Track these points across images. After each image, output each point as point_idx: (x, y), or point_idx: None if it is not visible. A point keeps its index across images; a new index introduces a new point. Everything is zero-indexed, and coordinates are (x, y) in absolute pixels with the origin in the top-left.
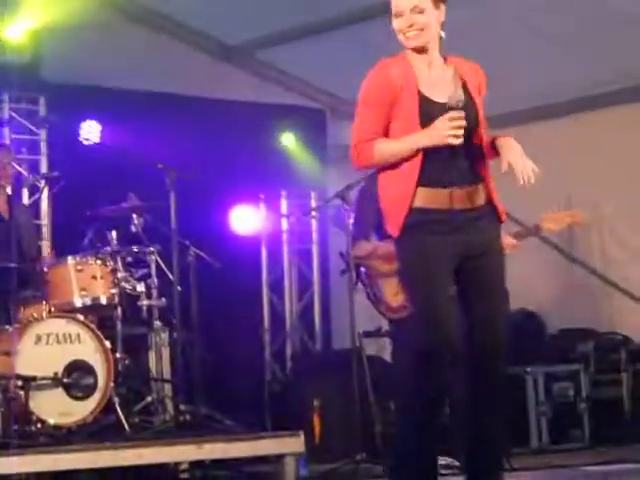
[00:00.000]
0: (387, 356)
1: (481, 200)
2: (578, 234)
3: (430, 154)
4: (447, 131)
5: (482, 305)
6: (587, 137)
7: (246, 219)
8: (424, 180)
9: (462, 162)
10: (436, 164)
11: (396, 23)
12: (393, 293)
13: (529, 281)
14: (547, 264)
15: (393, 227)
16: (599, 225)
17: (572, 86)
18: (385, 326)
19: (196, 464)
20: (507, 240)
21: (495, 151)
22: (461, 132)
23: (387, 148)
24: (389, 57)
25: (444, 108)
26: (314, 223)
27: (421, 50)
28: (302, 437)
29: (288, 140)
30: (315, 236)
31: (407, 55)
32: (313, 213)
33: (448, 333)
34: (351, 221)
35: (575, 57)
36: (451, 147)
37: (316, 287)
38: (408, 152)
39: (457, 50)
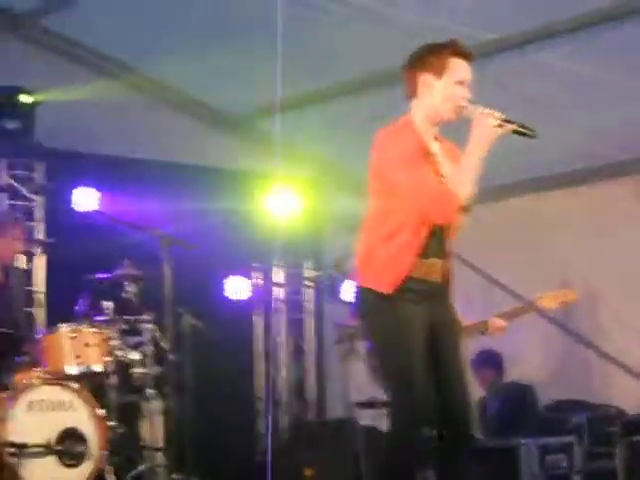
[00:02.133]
0: (383, 426)
1: (447, 277)
2: (572, 306)
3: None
4: (490, 123)
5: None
6: (583, 210)
7: (241, 288)
8: (421, 253)
9: (440, 239)
10: (430, 238)
11: (458, 90)
12: None
13: (523, 353)
14: (541, 336)
15: (386, 285)
16: (591, 297)
17: (567, 159)
18: (379, 396)
19: None
20: (496, 323)
21: None
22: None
23: (462, 182)
24: (393, 124)
25: None
26: (308, 292)
27: (438, 124)
28: None
29: (282, 204)
30: (310, 306)
31: (414, 124)
32: (307, 283)
33: (428, 413)
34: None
35: (572, 129)
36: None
37: (310, 357)
38: (478, 169)
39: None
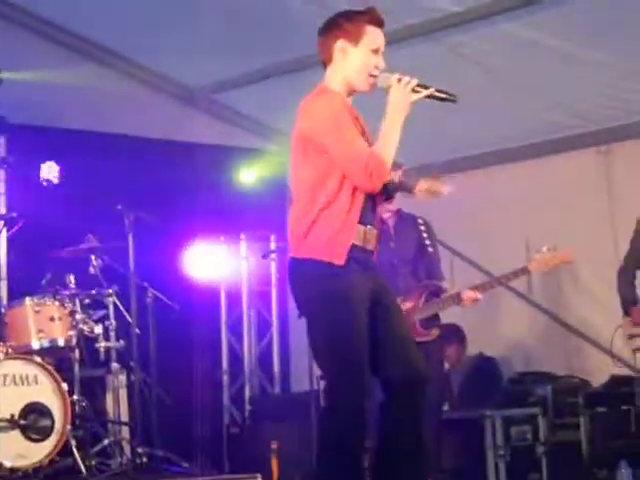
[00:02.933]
0: None
1: (376, 245)
2: (536, 278)
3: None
4: (407, 89)
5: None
6: (545, 181)
7: (205, 261)
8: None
9: (372, 205)
10: (365, 204)
11: (372, 58)
12: None
13: (487, 326)
14: (505, 308)
15: (336, 256)
16: (557, 270)
17: (531, 131)
18: None
19: None
20: (468, 294)
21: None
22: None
23: (388, 146)
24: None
25: None
26: (273, 265)
27: (351, 93)
28: (260, 479)
29: (247, 178)
30: (274, 279)
31: (340, 94)
32: (272, 255)
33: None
34: None
35: (532, 102)
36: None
37: (275, 330)
38: (399, 133)
39: None
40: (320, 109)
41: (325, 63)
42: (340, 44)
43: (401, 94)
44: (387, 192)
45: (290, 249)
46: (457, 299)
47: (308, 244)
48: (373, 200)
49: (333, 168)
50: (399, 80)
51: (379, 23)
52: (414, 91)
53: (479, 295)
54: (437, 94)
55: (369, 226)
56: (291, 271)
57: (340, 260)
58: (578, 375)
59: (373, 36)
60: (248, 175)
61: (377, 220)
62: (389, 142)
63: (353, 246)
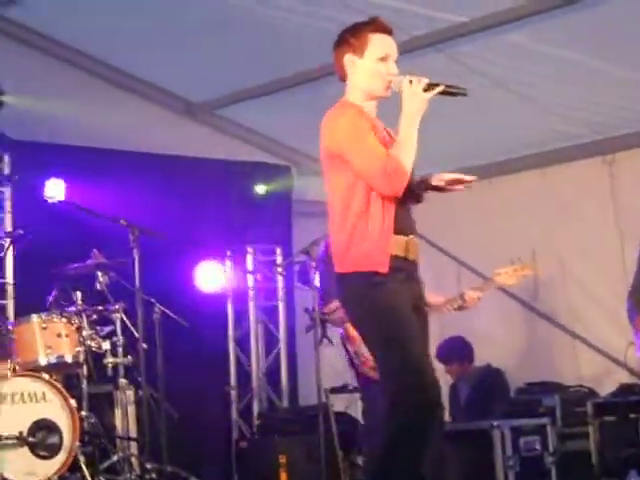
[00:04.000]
0: (354, 412)
1: (418, 256)
2: (542, 288)
3: (396, 201)
4: (419, 89)
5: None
6: (551, 191)
7: (212, 276)
8: (395, 228)
9: (409, 211)
10: (400, 211)
11: (381, 67)
12: None
13: (494, 336)
14: (512, 319)
15: (379, 265)
16: (563, 278)
17: (536, 140)
18: (352, 382)
19: None
20: (472, 294)
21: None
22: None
23: (405, 148)
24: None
25: None
26: (280, 279)
27: (374, 99)
28: None
29: (252, 192)
30: (281, 292)
31: (357, 106)
32: (279, 269)
33: (438, 391)
34: (317, 278)
35: (537, 112)
36: (404, 197)
37: (282, 344)
38: (416, 135)
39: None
40: (337, 122)
41: (342, 79)
42: (348, 58)
43: (413, 95)
44: (414, 194)
45: (335, 267)
46: (460, 301)
47: (350, 258)
48: (409, 207)
49: (359, 180)
50: (410, 82)
51: (385, 30)
52: (426, 90)
53: (480, 293)
54: (448, 89)
55: (410, 236)
56: (339, 287)
57: (384, 268)
58: (585, 384)
59: (379, 44)
60: (253, 189)
61: (415, 230)
62: (406, 144)
63: (395, 256)
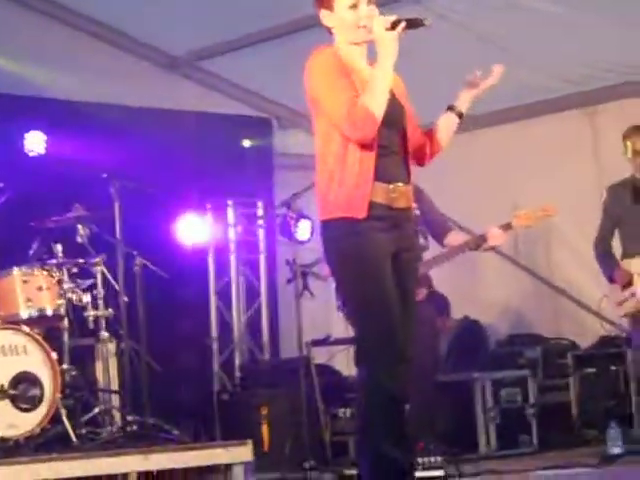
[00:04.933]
0: (337, 364)
1: (410, 202)
2: (523, 241)
3: (380, 149)
4: (382, 30)
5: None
6: (532, 144)
7: (193, 228)
8: (377, 174)
9: (401, 161)
10: (384, 159)
11: (351, 15)
12: None
13: (473, 289)
14: (493, 272)
15: (356, 210)
16: (545, 232)
17: (517, 94)
18: (335, 334)
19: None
20: (494, 231)
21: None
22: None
23: (372, 92)
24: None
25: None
26: (261, 232)
27: (360, 45)
28: (251, 446)
29: (234, 144)
30: (262, 245)
31: (340, 50)
32: (260, 222)
33: (405, 348)
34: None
35: (519, 65)
36: (392, 144)
37: (263, 297)
38: (389, 78)
39: (403, 58)
40: (310, 69)
41: (329, 32)
42: (322, 14)
43: (380, 37)
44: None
45: (318, 213)
46: (481, 240)
47: (329, 205)
48: (402, 157)
49: (331, 123)
50: (377, 22)
51: None
52: (392, 28)
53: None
54: (412, 23)
55: (397, 184)
56: (320, 234)
57: (361, 214)
58: (567, 337)
59: None
60: (234, 142)
61: (410, 178)
62: (373, 88)
63: (375, 203)
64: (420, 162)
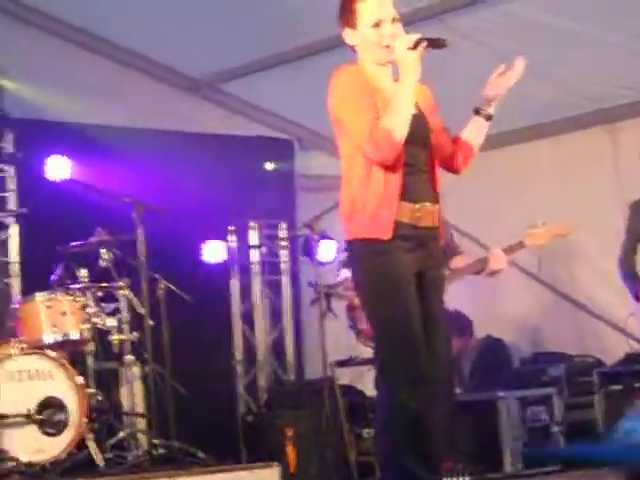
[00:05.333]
0: (361, 385)
1: (436, 221)
2: (545, 258)
3: (406, 167)
4: (404, 49)
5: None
6: (553, 161)
7: (216, 251)
8: (403, 193)
9: (428, 179)
10: (410, 178)
11: (373, 34)
12: None
13: (497, 307)
14: (516, 289)
15: (381, 231)
16: (566, 248)
17: (538, 111)
18: (360, 354)
19: None
20: (496, 254)
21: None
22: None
23: (393, 112)
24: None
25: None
26: (284, 253)
27: (385, 65)
28: (277, 468)
29: (257, 166)
30: (285, 266)
31: (365, 69)
32: (282, 243)
33: (428, 369)
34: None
35: (539, 83)
36: (418, 162)
37: (287, 318)
38: (411, 97)
39: (425, 77)
40: (333, 88)
41: (353, 50)
42: (345, 33)
43: (404, 56)
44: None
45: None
46: (483, 264)
47: (354, 225)
48: (429, 174)
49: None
50: (400, 42)
51: None
52: (413, 48)
53: (506, 256)
54: (433, 43)
55: (424, 203)
56: (346, 254)
57: (386, 235)
58: (592, 354)
59: (368, 11)
60: (256, 164)
61: (437, 197)
62: (395, 109)
63: (401, 223)
64: (455, 171)
